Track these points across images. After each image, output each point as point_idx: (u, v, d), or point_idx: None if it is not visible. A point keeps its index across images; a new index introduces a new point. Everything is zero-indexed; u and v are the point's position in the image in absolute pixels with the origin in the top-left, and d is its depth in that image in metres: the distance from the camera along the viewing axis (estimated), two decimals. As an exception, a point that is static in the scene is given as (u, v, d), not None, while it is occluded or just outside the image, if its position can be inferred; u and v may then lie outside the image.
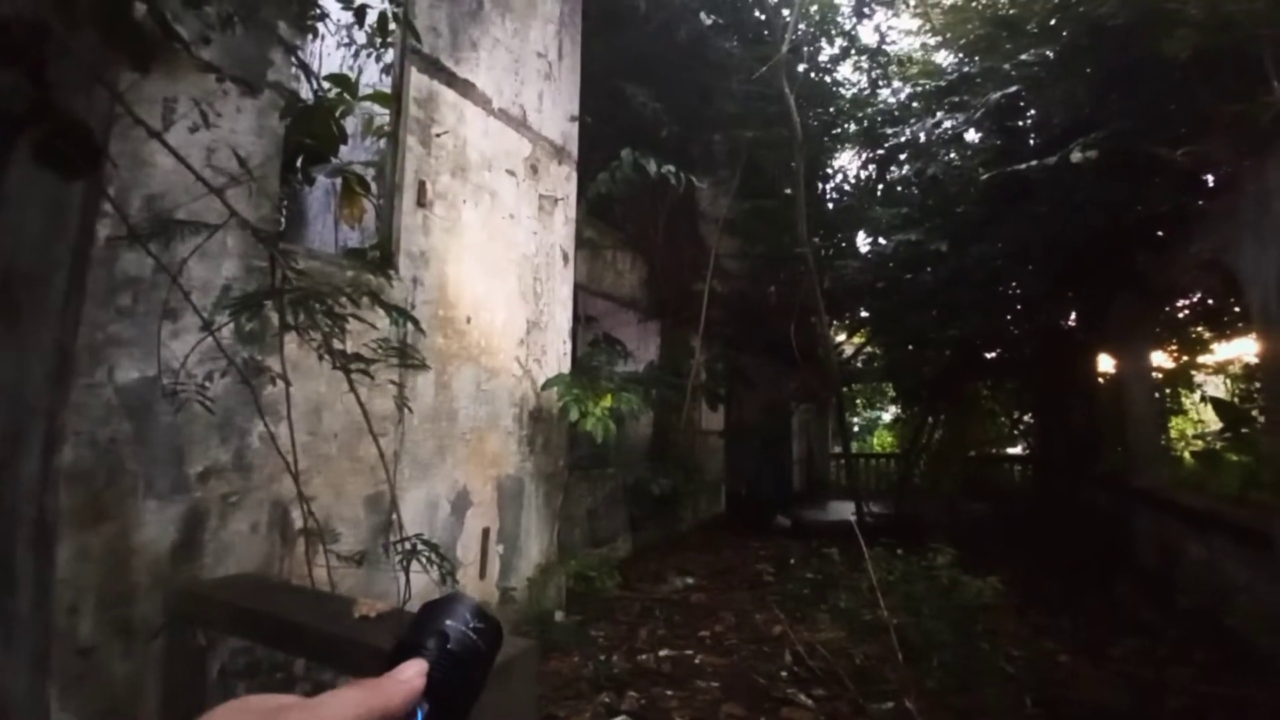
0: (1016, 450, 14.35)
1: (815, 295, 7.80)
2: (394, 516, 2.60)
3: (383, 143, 3.40)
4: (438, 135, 3.47)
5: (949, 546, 4.75)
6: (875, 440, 20.01)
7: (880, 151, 9.54)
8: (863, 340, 12.90)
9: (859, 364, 13.71)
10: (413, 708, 0.42)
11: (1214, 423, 9.20)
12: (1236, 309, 7.41)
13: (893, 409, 18.33)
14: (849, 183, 11.16)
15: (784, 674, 3.87)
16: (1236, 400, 9.08)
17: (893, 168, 9.82)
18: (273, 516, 2.68)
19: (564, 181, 4.83)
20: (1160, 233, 6.22)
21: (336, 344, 1.94)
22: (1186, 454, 10.03)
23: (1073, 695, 3.52)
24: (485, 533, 3.87)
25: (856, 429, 19.49)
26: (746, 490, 9.46)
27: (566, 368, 4.69)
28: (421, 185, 3.37)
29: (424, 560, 2.20)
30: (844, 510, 9.35)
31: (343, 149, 3.39)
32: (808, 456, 13.89)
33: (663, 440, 7.43)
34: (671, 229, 7.60)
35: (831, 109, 9.33)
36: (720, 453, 9.16)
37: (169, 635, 2.35)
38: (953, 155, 8.33)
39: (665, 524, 7.20)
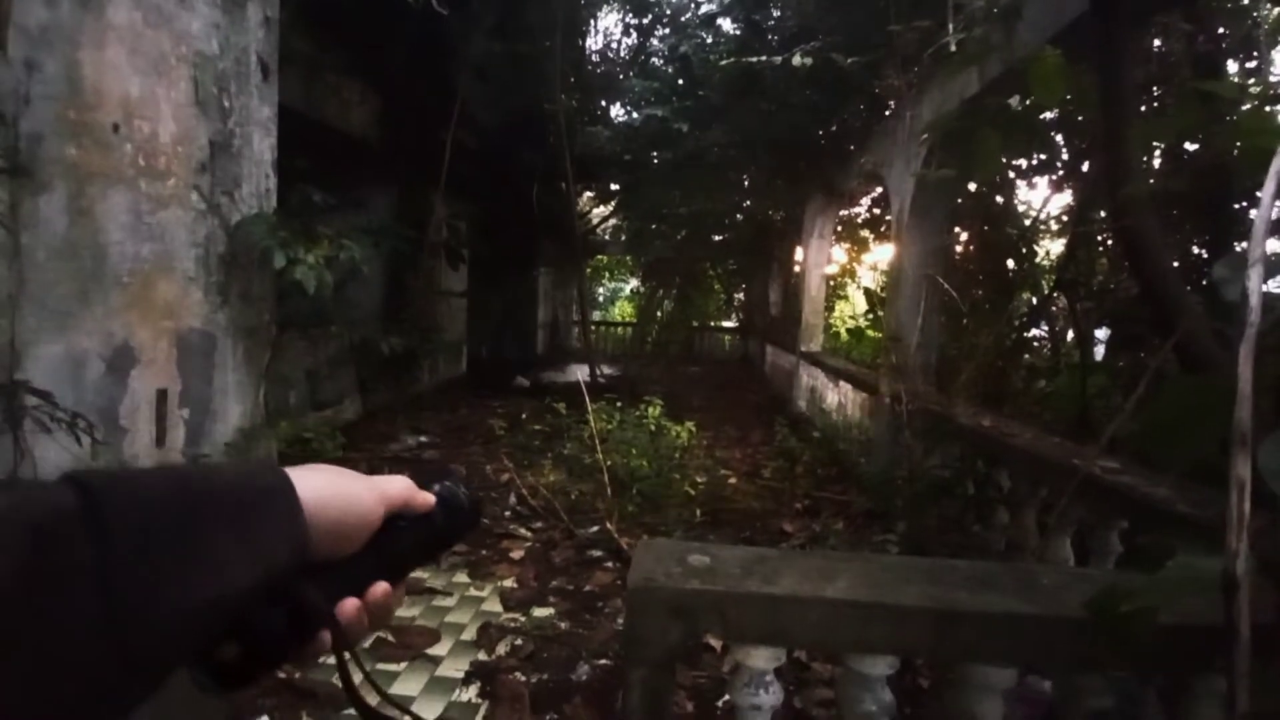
0: (730, 324, 16.79)
1: (565, 159, 7.72)
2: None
3: None
4: None
5: (661, 400, 5.49)
6: (617, 310, 21.53)
7: (645, 20, 9.43)
8: (609, 212, 13.37)
9: (605, 236, 14.28)
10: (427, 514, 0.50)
11: (864, 307, 11.81)
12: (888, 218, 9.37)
13: (634, 281, 19.77)
14: (610, 49, 10.92)
15: (508, 514, 4.22)
16: (880, 290, 11.69)
17: (652, 40, 9.82)
18: None
19: (259, -34, 3.83)
20: (848, 146, 7.40)
21: None
22: (843, 330, 12.81)
23: (732, 506, 4.50)
24: (161, 395, 3.30)
25: (600, 299, 20.66)
26: (487, 351, 9.55)
27: (270, 206, 4.00)
28: (18, -81, 2.37)
29: (45, 421, 1.81)
30: (582, 373, 10.07)
31: None
32: (552, 322, 14.40)
33: (398, 299, 6.98)
34: (414, 64, 6.66)
35: (598, -42, 8.81)
36: (462, 314, 8.98)
37: None
38: (707, 38, 8.61)
39: (400, 385, 6.97)
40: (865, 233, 11.19)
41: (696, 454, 5.35)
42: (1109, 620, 0.93)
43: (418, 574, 3.34)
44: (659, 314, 13.75)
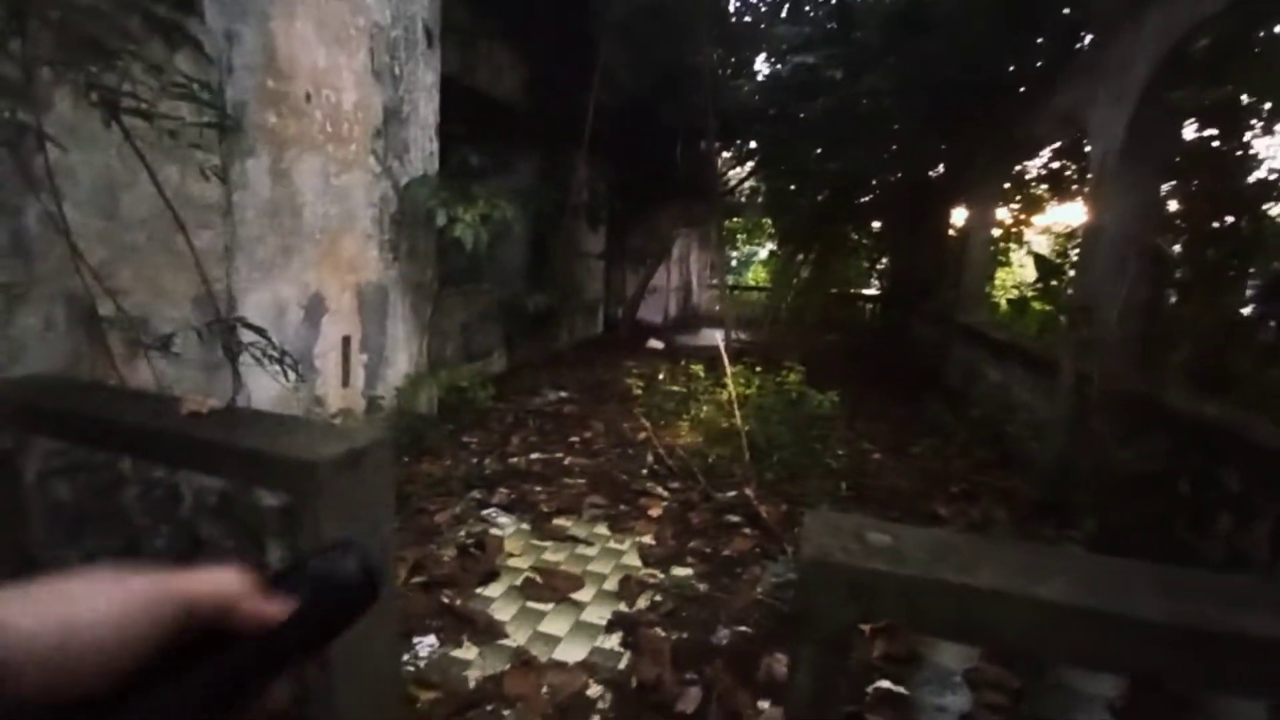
0: (872, 291, 15.73)
1: (708, 116, 7.48)
2: (220, 312, 2.33)
3: None
4: None
5: (800, 368, 5.25)
6: (751, 275, 20.99)
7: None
8: (748, 173, 12.88)
9: (743, 198, 13.83)
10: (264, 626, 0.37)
11: (1032, 276, 10.50)
12: (1074, 174, 8.14)
13: (770, 246, 19.10)
14: (755, -4, 10.34)
15: (644, 472, 4.26)
16: (1055, 256, 10.30)
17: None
18: (72, 311, 2.31)
19: (426, -66, 3.99)
20: (1032, 86, 6.44)
21: (108, 89, 1.53)
22: (1004, 301, 11.51)
23: (878, 483, 4.22)
24: (346, 341, 3.66)
25: (735, 263, 20.22)
26: (623, 312, 9.69)
27: (434, 169, 4.24)
28: (228, -99, 2.60)
29: (258, 356, 2.02)
30: (715, 337, 9.95)
31: None
32: (685, 285, 14.33)
33: (541, 259, 7.23)
34: (559, 27, 6.73)
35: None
36: (599, 274, 9.16)
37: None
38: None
39: (541, 342, 7.28)
40: (1040, 189, 9.85)
41: (837, 426, 5.07)
42: None
43: (561, 521, 3.47)
44: (795, 280, 13.18)
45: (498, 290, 6.36)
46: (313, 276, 3.37)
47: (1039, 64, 6.14)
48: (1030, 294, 10.48)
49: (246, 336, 2.00)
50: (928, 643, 1.22)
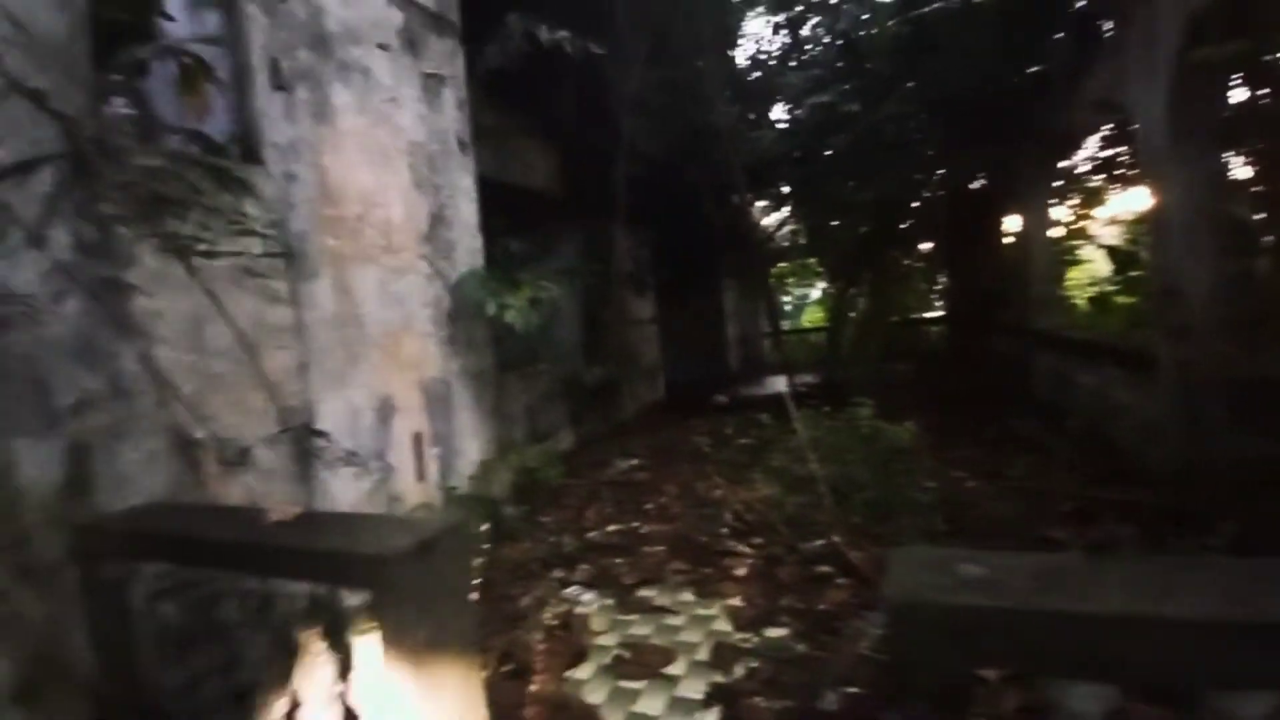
0: (935, 314, 15.15)
1: (734, 169, 7.64)
2: (298, 424, 2.48)
3: (217, 15, 2.91)
4: (283, 1, 3.00)
5: (870, 402, 5.04)
6: (806, 318, 20.70)
7: (793, 13, 9.11)
8: (784, 218, 12.94)
9: (785, 243, 13.85)
10: None
11: (1108, 271, 9.89)
12: (1128, 159, 7.76)
13: (821, 285, 18.88)
14: (763, 52, 10.72)
15: (724, 530, 4.12)
16: (1128, 244, 9.70)
17: (803, 29, 9.43)
18: (171, 442, 2.51)
19: (449, 57, 4.37)
20: (1056, 82, 6.29)
21: (181, 237, 1.71)
22: (1081, 301, 10.85)
23: (976, 513, 3.92)
24: (416, 437, 3.79)
25: (788, 308, 20.05)
26: (684, 373, 9.69)
27: (479, 263, 4.47)
28: (275, 63, 2.95)
29: (332, 462, 2.11)
30: (778, 385, 9.75)
31: (170, 26, 2.87)
32: (742, 337, 14.25)
33: (594, 333, 7.39)
34: (581, 110, 7.14)
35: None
36: (654, 340, 9.25)
37: (82, 571, 2.24)
38: (862, 11, 8.04)
39: (606, 414, 7.33)
40: (1096, 180, 9.41)
41: (920, 457, 4.79)
42: None
43: (645, 592, 3.38)
44: (852, 314, 12.90)
45: (556, 369, 6.51)
46: (380, 379, 3.55)
47: (1061, 58, 6.01)
48: (1110, 289, 9.85)
49: (320, 443, 2.11)
50: (1058, 685, 1.09)
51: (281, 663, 2.16)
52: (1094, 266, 12.57)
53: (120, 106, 2.70)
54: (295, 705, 1.89)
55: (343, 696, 1.81)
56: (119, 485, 2.36)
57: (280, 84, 2.98)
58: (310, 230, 3.17)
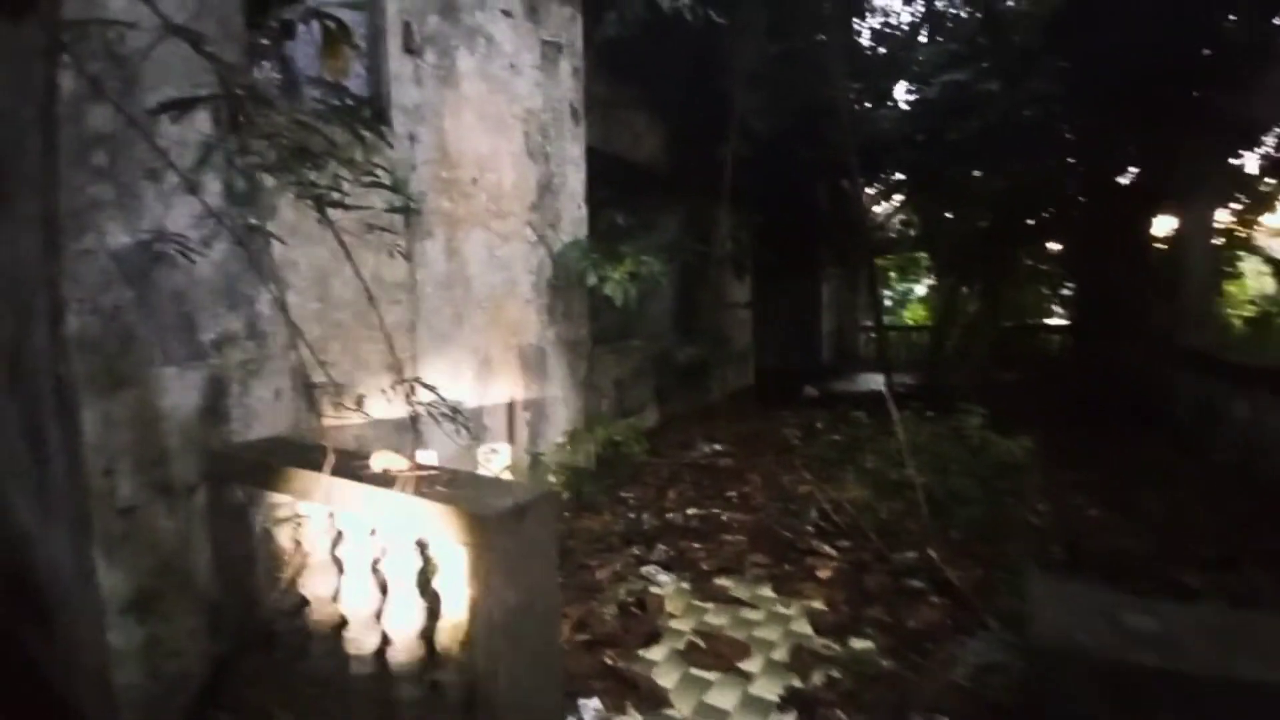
0: (1057, 321, 13.87)
1: (848, 152, 7.23)
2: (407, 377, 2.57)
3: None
4: (421, -36, 3.06)
5: (980, 409, 4.66)
6: (908, 314, 19.60)
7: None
8: (896, 207, 12.21)
9: (893, 233, 13.09)
10: None
11: (1272, 287, 8.65)
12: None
13: (926, 282, 17.76)
14: (890, 25, 10.02)
15: (809, 528, 3.97)
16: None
17: (940, 1, 8.72)
18: (294, 383, 2.68)
19: (568, 24, 4.35)
20: (1236, 63, 5.45)
21: (318, 188, 1.77)
22: (1238, 320, 9.57)
23: (1099, 544, 3.55)
24: (511, 401, 3.88)
25: (889, 303, 19.04)
26: (775, 361, 9.43)
27: (583, 233, 4.48)
28: (407, 27, 3.02)
29: (436, 416, 2.17)
30: (873, 382, 9.29)
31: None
32: (837, 329, 13.71)
33: (689, 312, 7.30)
34: (693, 85, 6.97)
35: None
36: (748, 324, 9.03)
37: (210, 493, 2.44)
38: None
39: (693, 395, 7.25)
40: (1269, 183, 8.21)
41: (1034, 476, 4.40)
42: None
43: (723, 581, 3.31)
44: (960, 314, 12.04)
45: (648, 345, 6.49)
46: (481, 341, 3.64)
47: (1244, 36, 5.18)
48: (1274, 309, 8.63)
49: (426, 397, 2.17)
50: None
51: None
52: (1254, 282, 11.05)
53: (267, 68, 2.87)
54: (386, 642, 1.97)
55: (429, 638, 1.86)
56: (249, 418, 2.55)
57: (411, 48, 3.06)
58: (428, 191, 3.26)
